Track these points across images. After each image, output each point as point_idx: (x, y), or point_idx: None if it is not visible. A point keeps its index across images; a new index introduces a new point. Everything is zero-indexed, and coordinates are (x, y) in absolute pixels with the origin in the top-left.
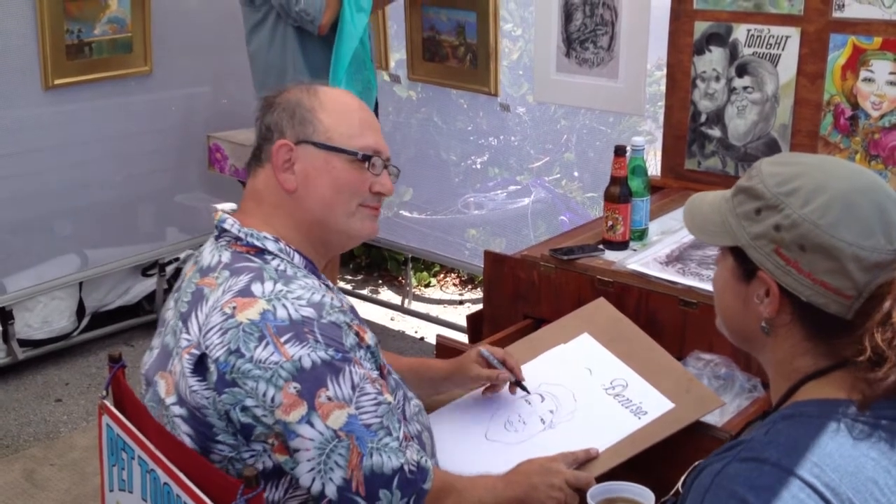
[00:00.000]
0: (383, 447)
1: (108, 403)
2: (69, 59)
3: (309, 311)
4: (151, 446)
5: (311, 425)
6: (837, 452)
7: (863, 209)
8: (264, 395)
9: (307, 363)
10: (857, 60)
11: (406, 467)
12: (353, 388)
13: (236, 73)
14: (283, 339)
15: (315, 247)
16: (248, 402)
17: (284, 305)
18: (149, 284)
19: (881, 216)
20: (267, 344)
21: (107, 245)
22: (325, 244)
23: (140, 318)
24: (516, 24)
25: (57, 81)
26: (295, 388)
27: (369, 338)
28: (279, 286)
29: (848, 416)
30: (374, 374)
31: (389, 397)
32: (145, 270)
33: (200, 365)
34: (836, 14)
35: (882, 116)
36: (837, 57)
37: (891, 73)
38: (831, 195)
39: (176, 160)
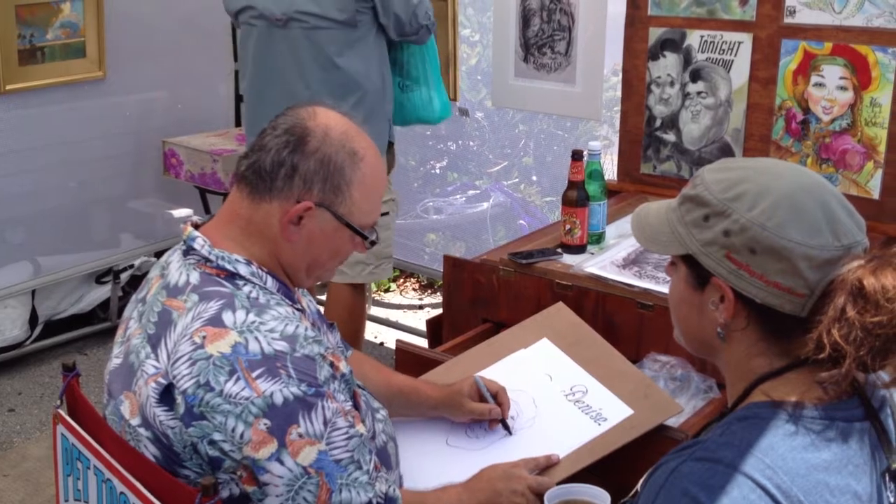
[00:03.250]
0: (353, 482)
1: (63, 413)
2: (21, 65)
3: (282, 345)
4: (107, 456)
5: (281, 462)
6: (790, 455)
7: (808, 208)
8: (233, 430)
9: (279, 399)
10: (809, 66)
11: (374, 500)
12: (325, 423)
13: (192, 77)
14: (254, 374)
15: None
16: (216, 437)
17: (257, 338)
18: (103, 292)
19: (826, 214)
20: (238, 379)
21: (60, 252)
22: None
23: (94, 326)
24: (474, 30)
25: (9, 87)
26: (265, 424)
27: (343, 366)
28: (251, 317)
29: (801, 417)
30: (348, 405)
31: (362, 429)
32: (99, 278)
33: (167, 395)
34: (788, 20)
35: (833, 121)
36: (789, 62)
37: (841, 78)
38: (776, 197)
39: (130, 166)
